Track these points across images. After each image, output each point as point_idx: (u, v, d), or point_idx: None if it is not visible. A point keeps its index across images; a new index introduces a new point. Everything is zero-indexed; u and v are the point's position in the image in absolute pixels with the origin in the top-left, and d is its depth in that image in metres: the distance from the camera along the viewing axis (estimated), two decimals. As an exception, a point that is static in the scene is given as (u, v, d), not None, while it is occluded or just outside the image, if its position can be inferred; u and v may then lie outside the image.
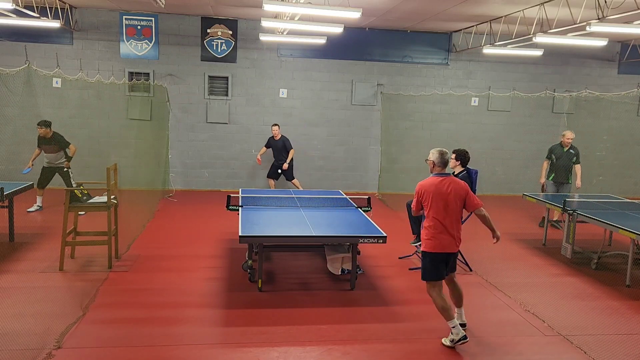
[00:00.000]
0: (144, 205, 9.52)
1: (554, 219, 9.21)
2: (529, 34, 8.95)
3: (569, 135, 9.01)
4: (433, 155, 4.73)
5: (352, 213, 6.74)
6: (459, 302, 4.89)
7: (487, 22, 10.44)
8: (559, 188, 9.20)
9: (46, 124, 8.82)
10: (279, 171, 10.76)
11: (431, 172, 4.77)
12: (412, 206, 4.82)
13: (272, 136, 10.77)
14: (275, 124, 10.76)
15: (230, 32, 11.51)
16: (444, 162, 4.71)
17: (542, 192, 9.22)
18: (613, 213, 7.25)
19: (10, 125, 10.64)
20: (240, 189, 8.06)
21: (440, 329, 4.96)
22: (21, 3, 8.67)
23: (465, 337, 4.52)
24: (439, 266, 4.61)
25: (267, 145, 10.93)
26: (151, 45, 11.30)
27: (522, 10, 9.01)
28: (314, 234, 5.66)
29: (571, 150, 9.06)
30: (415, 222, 6.87)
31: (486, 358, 4.46)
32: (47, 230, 7.78)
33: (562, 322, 5.18)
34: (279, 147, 10.75)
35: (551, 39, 8.85)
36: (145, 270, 6.31)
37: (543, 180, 9.24)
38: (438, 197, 4.56)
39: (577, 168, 9.10)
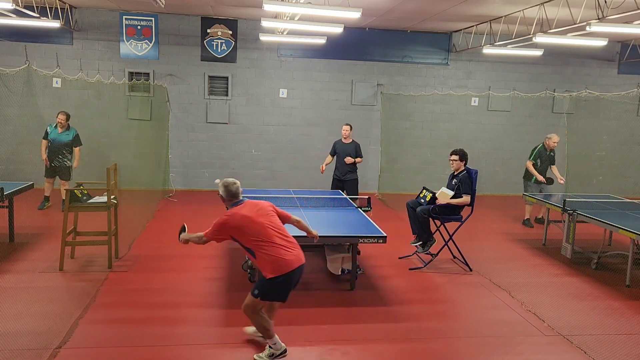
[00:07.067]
0: (144, 205, 9.52)
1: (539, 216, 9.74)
2: (529, 34, 8.95)
3: (555, 139, 9.44)
4: (220, 190, 4.49)
5: (352, 213, 6.74)
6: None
7: (487, 22, 10.44)
8: None
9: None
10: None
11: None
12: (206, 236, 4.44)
13: (340, 139, 8.21)
14: (347, 123, 8.43)
15: (230, 32, 11.51)
16: (232, 194, 4.56)
17: None
18: (613, 213, 7.25)
19: (10, 126, 10.65)
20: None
21: (440, 329, 4.97)
22: (21, 3, 8.67)
23: (285, 351, 4.24)
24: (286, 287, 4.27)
25: (333, 153, 8.57)
26: (151, 45, 11.30)
27: (522, 10, 9.00)
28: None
29: None
30: (415, 222, 6.86)
31: (486, 358, 4.46)
32: (47, 230, 7.77)
33: (562, 322, 5.18)
34: (349, 153, 8.38)
35: (551, 39, 8.85)
36: (145, 270, 6.31)
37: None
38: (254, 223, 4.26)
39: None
